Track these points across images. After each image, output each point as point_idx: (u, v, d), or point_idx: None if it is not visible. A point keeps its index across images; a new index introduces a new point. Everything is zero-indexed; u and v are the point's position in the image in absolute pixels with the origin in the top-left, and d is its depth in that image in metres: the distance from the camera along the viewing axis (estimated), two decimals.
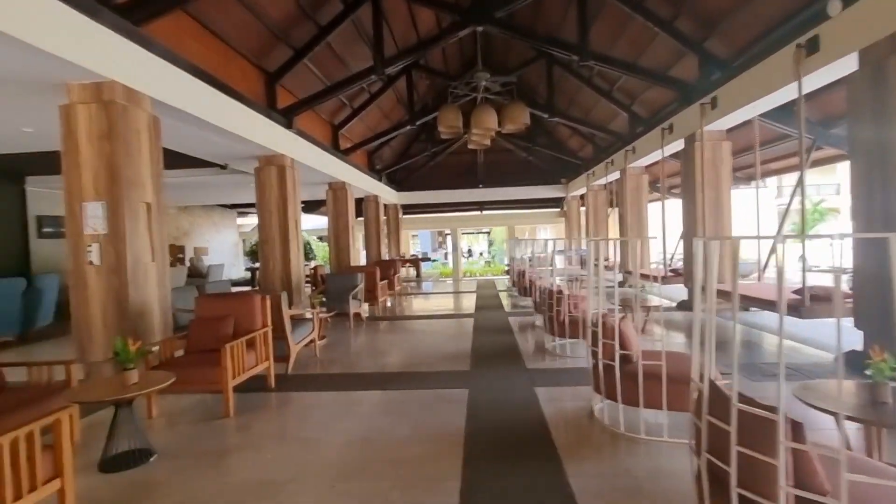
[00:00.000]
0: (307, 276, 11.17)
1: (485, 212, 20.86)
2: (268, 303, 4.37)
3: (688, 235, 8.06)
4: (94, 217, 4.30)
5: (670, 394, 2.82)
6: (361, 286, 7.81)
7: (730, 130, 7.77)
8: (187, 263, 13.31)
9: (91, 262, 4.32)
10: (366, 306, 8.25)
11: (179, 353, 4.25)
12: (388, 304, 10.03)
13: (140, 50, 4.64)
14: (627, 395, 2.98)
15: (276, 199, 8.00)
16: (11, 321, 7.00)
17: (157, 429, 3.49)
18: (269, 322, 4.40)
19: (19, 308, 7.11)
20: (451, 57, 13.11)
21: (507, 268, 15.31)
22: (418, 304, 10.35)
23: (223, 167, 8.85)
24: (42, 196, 10.91)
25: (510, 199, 18.89)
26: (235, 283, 16.99)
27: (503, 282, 15.26)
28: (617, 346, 3.01)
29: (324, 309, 6.69)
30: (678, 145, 8.54)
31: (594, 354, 3.25)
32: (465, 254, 29.97)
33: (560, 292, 5.20)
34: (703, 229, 7.30)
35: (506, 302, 9.92)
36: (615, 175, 12.52)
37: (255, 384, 4.24)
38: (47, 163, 6.95)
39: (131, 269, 4.35)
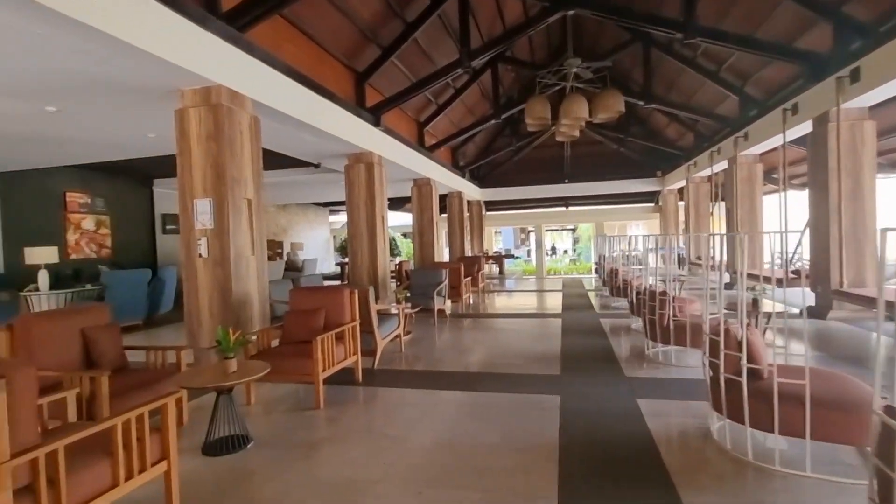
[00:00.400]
0: (392, 271, 11.39)
1: (570, 207, 20.05)
2: (356, 297, 4.40)
3: (817, 231, 6.99)
4: (202, 213, 4.61)
5: (816, 420, 2.34)
6: (445, 283, 7.75)
7: (873, 108, 6.61)
8: (285, 258, 14.24)
9: (200, 255, 4.64)
10: (449, 303, 8.18)
11: (275, 342, 4.44)
12: (472, 301, 9.90)
13: (243, 55, 4.89)
14: (757, 417, 2.53)
15: (364, 195, 8.19)
16: (140, 307, 7.86)
17: (254, 415, 3.63)
18: (357, 316, 4.43)
19: (146, 296, 7.96)
20: (538, 46, 12.66)
21: (595, 266, 14.55)
22: (502, 302, 10.11)
23: (316, 166, 9.25)
24: (165, 196, 12.23)
25: (599, 193, 17.95)
26: (327, 277, 17.93)
27: (590, 281, 14.51)
28: (744, 359, 2.57)
29: (408, 304, 6.71)
30: (803, 128, 7.45)
31: (713, 367, 2.82)
32: (549, 251, 29.08)
33: (664, 294, 4.70)
34: (838, 224, 6.27)
35: (595, 302, 9.35)
36: (721, 165, 11.32)
37: (343, 377, 4.30)
38: (170, 165, 7.72)
39: (234, 261, 4.60)
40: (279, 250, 16.67)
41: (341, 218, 22.74)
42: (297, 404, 3.86)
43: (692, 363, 4.60)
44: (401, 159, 9.54)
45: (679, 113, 11.83)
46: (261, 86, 5.16)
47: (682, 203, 17.29)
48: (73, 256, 10.04)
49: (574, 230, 35.68)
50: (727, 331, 2.71)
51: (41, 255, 7.35)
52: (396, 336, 5.54)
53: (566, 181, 17.73)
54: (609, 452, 2.82)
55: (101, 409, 2.75)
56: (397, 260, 19.41)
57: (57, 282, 7.99)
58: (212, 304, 4.63)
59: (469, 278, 9.25)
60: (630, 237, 9.95)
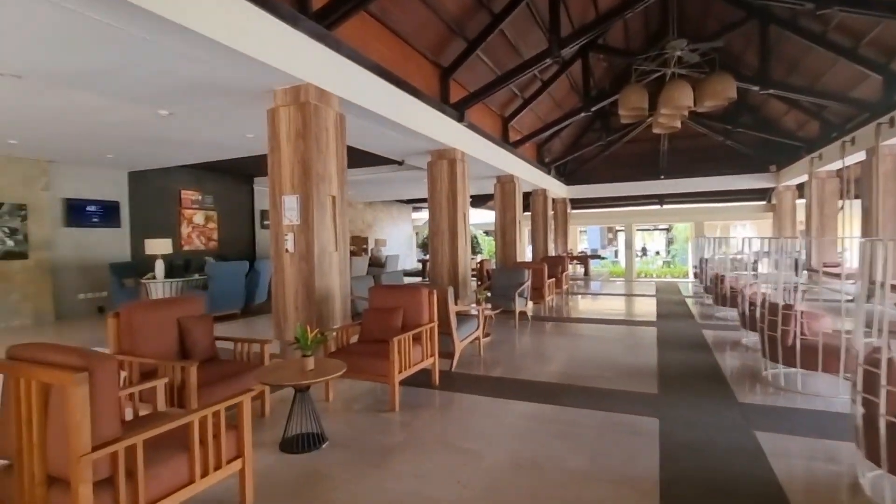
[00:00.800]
0: (473, 269, 11.23)
1: (665, 206, 18.56)
2: (434, 298, 4.25)
3: None
4: (290, 209, 4.72)
5: None
6: (528, 283, 7.41)
7: None
8: (369, 254, 14.70)
9: (287, 250, 4.77)
10: (531, 305, 7.82)
11: (355, 339, 4.43)
12: (554, 303, 9.42)
13: (331, 52, 4.95)
14: None
15: (447, 192, 8.08)
16: (238, 297, 8.43)
17: (331, 413, 3.62)
18: (436, 317, 4.29)
19: (244, 286, 8.53)
20: (634, 32, 11.77)
21: (694, 270, 13.26)
22: (588, 306, 9.52)
23: (400, 163, 9.32)
24: (264, 193, 13.10)
25: (699, 190, 16.39)
26: (408, 274, 18.26)
27: (688, 286, 13.27)
28: None
29: (489, 305, 6.47)
30: None
31: (867, 405, 2.26)
32: (639, 252, 27.25)
33: (788, 308, 4.00)
34: None
35: (695, 310, 8.45)
36: (856, 157, 9.73)
37: (420, 379, 4.17)
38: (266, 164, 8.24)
39: (318, 257, 4.67)
40: (364, 246, 17.23)
41: (423, 215, 23.09)
42: (373, 404, 3.79)
43: (824, 391, 3.88)
44: (484, 155, 9.31)
45: (803, 98, 10.32)
46: (347, 83, 5.19)
47: (800, 201, 15.26)
48: (186, 248, 11.08)
49: (668, 230, 33.21)
50: (891, 361, 2.15)
51: (158, 247, 8.13)
52: (475, 338, 5.34)
53: (661, 177, 16.41)
54: (725, 495, 2.37)
55: (189, 398, 2.84)
56: (478, 258, 19.28)
57: (171, 271, 8.82)
58: (297, 298, 4.75)
59: (552, 279, 8.80)
60: (741, 239, 8.86)
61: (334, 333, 4.05)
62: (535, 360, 5.20)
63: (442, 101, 7.79)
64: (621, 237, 33.76)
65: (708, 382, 4.24)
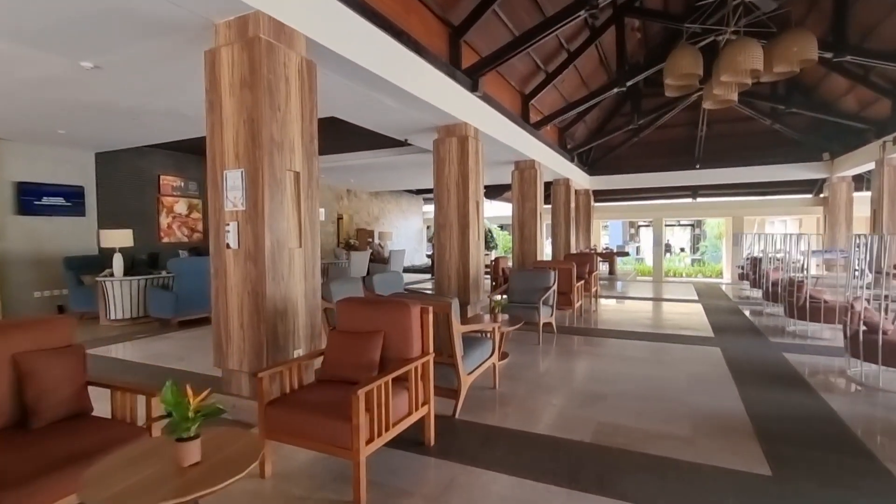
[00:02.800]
0: (486, 267, 9.85)
1: (699, 199, 16.92)
2: (430, 317, 2.90)
3: None
4: (233, 189, 3.41)
5: None
6: (554, 288, 6.01)
7: None
8: (377, 248, 13.43)
9: (228, 245, 3.46)
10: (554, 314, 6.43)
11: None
12: (583, 309, 7.98)
13: None
14: None
15: (456, 175, 6.71)
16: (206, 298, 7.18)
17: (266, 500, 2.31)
18: (431, 346, 2.93)
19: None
20: None
21: (739, 270, 11.68)
22: (622, 313, 8.06)
23: (404, 142, 7.97)
24: None
25: (739, 182, 14.75)
26: (415, 270, 16.96)
27: (728, 288, 11.71)
28: None
29: (506, 316, 5.11)
30: None
31: None
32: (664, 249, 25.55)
33: None
34: None
35: (757, 322, 6.96)
36: None
37: (408, 435, 2.83)
38: None
39: (270, 255, 3.35)
40: (370, 240, 15.96)
41: None
42: (328, 489, 2.46)
43: None
44: (501, 134, 7.90)
45: (882, 65, 8.57)
46: (320, 19, 3.84)
47: (857, 194, 13.54)
48: (166, 240, 9.91)
49: (694, 226, 31.32)
50: None
51: (116, 238, 6.93)
52: (490, 365, 3.98)
53: (697, 167, 14.79)
54: None
55: None
56: (493, 254, 17.86)
57: (133, 267, 7.62)
58: (242, 312, 3.44)
59: (580, 282, 7.40)
60: (807, 235, 7.34)
61: (283, 368, 2.71)
62: (571, 399, 3.82)
63: (452, 65, 6.41)
64: (644, 233, 32.03)
65: (840, 451, 2.82)
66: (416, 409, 2.77)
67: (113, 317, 6.87)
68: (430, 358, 2.90)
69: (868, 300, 4.20)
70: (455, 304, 3.37)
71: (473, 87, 6.71)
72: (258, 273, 3.34)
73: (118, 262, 6.88)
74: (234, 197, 3.40)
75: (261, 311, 3.35)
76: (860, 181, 13.68)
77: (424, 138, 7.52)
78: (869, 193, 13.95)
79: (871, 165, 11.16)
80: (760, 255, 9.82)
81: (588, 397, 3.80)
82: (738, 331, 6.35)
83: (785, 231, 20.23)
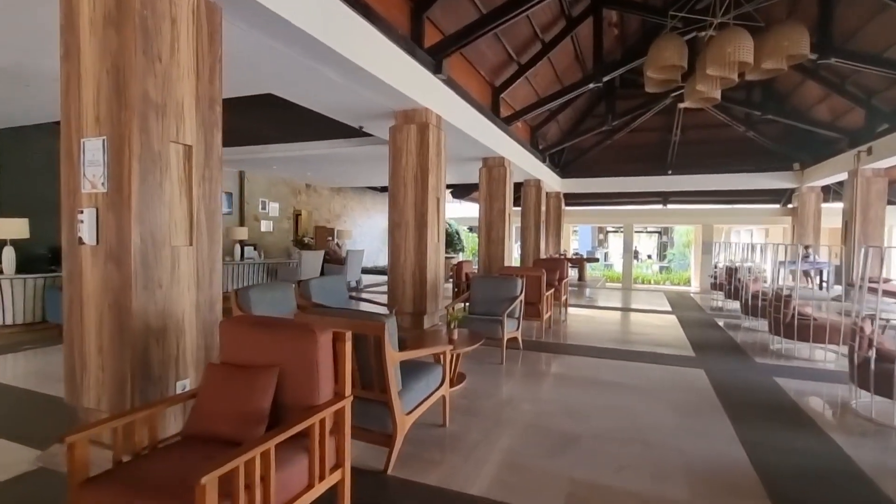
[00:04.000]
0: (449, 273, 9.09)
1: (670, 205, 16.70)
2: (347, 348, 2.08)
3: None
4: (92, 164, 2.51)
5: None
6: (521, 298, 5.29)
7: None
8: (333, 247, 12.43)
9: (81, 240, 2.55)
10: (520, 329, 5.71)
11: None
12: (552, 320, 7.29)
13: None
14: None
15: (414, 168, 5.91)
16: None
17: None
18: (349, 385, 2.12)
19: None
20: None
21: (713, 279, 11.32)
22: (595, 325, 7.43)
23: (359, 129, 7.11)
24: None
25: (710, 189, 14.53)
26: (379, 272, 16.03)
27: (697, 297, 11.35)
28: None
29: (465, 331, 4.35)
30: None
31: None
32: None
33: None
34: None
35: (738, 338, 6.45)
36: None
37: None
38: None
39: (139, 255, 2.47)
40: (329, 238, 14.96)
41: None
42: None
43: None
44: (468, 125, 7.16)
45: (866, 69, 8.19)
46: None
47: (826, 205, 13.51)
48: None
49: (661, 233, 31.52)
50: None
51: (7, 229, 5.81)
52: (439, 397, 3.19)
53: (669, 172, 14.50)
54: None
55: None
56: (460, 257, 17.13)
57: (27, 264, 6.48)
58: (102, 330, 2.54)
59: (550, 290, 6.72)
60: (786, 245, 6.92)
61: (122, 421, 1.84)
62: (539, 442, 3.07)
63: (413, 42, 5.61)
64: (612, 239, 32.03)
65: None
66: (322, 478, 1.95)
67: (0, 322, 5.75)
68: (347, 403, 2.09)
69: (862, 318, 3.65)
70: (391, 325, 2.57)
71: (437, 69, 5.94)
72: (122, 278, 2.46)
73: (8, 256, 5.76)
74: (94, 175, 2.50)
75: (125, 331, 2.46)
76: (827, 193, 13.66)
77: (381, 126, 6.69)
78: (836, 205, 13.99)
79: (842, 176, 11.00)
80: (736, 264, 9.45)
81: (558, 440, 3.06)
82: (720, 349, 5.79)
83: (750, 241, 20.37)
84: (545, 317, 6.32)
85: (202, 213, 2.81)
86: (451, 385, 3.97)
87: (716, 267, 11.94)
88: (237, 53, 4.41)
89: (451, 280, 9.12)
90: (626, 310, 9.23)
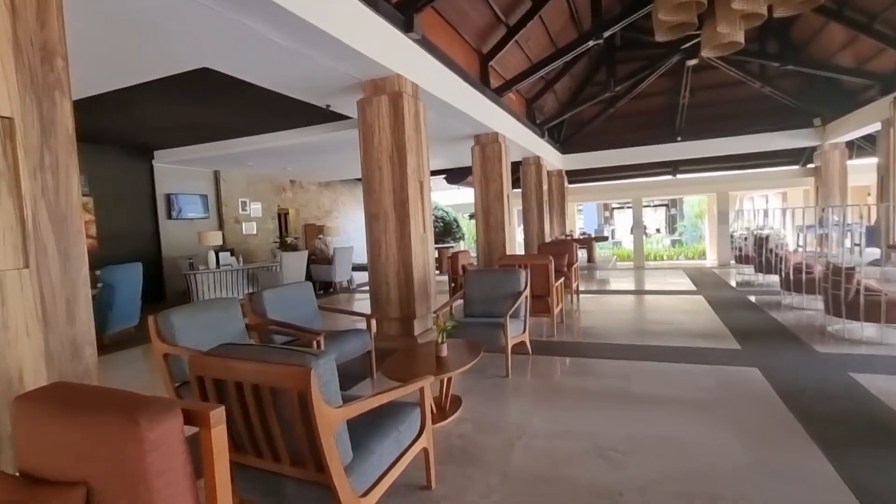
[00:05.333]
0: (443, 267, 8.16)
1: (679, 175, 15.65)
2: (220, 436, 1.17)
3: None
4: None
5: None
6: (526, 293, 4.37)
7: None
8: (320, 245, 11.46)
9: None
10: (527, 329, 4.80)
11: None
12: (564, 312, 6.36)
13: None
14: None
15: (389, 146, 4.97)
16: None
17: None
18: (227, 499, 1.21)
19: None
20: None
21: (736, 252, 10.33)
22: (612, 316, 6.48)
23: (326, 108, 6.16)
24: (170, 172, 9.85)
25: (724, 154, 13.45)
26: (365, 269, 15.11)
27: (720, 272, 10.38)
28: None
29: (457, 343, 3.44)
30: None
31: None
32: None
33: None
34: None
35: (779, 318, 5.52)
36: None
37: None
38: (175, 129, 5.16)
39: None
40: (320, 236, 14.05)
41: None
42: None
43: None
44: (453, 96, 6.19)
45: None
46: None
47: (854, 161, 12.42)
48: None
49: (668, 206, 30.38)
50: None
51: None
52: (420, 451, 2.29)
53: (678, 139, 13.44)
54: None
55: None
56: (461, 246, 16.18)
57: None
58: None
59: (561, 279, 5.80)
60: (821, 208, 5.96)
61: None
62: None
63: None
64: (618, 215, 30.91)
65: None
66: None
67: None
68: None
69: None
70: (324, 368, 1.65)
71: (407, 27, 4.96)
72: None
73: None
74: None
75: None
76: (850, 149, 12.57)
77: (351, 103, 5.72)
78: (862, 161, 12.93)
79: (872, 128, 9.93)
80: (765, 232, 8.48)
81: (592, 501, 2.17)
82: (767, 336, 4.85)
83: (766, 206, 19.28)
84: (555, 311, 5.40)
85: (44, 219, 1.91)
86: (442, 416, 3.08)
87: (733, 236, 10.96)
88: (153, 20, 3.50)
89: (441, 273, 8.20)
90: (645, 292, 8.28)
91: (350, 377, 4.03)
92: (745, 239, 9.72)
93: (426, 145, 5.39)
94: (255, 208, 12.03)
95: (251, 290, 9.03)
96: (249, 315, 3.76)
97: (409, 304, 5.01)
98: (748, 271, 9.30)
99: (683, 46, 9.44)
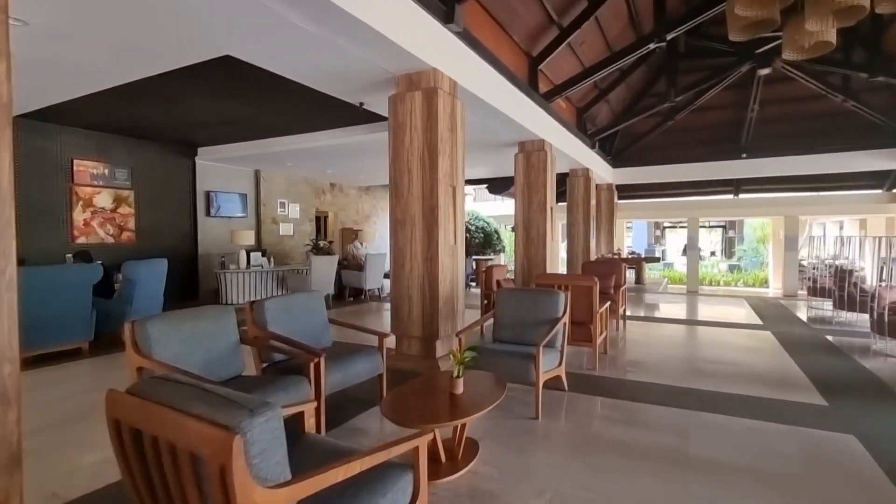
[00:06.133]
0: (472, 278, 7.60)
1: (742, 195, 14.41)
2: None
3: None
4: None
5: None
6: (564, 320, 3.78)
7: None
8: (352, 251, 11.19)
9: None
10: (562, 361, 4.18)
11: None
12: (608, 342, 5.65)
13: None
14: None
15: (420, 147, 4.53)
16: (80, 323, 5.14)
17: None
18: None
19: (88, 302, 5.25)
20: None
21: (809, 283, 9.19)
22: (665, 349, 5.71)
23: (359, 106, 5.81)
24: (211, 169, 9.87)
25: (795, 174, 12.21)
26: None
27: (787, 304, 9.25)
28: None
29: (480, 377, 2.91)
30: None
31: None
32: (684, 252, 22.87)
33: None
34: None
35: (874, 368, 4.62)
36: None
37: None
38: (219, 126, 5.05)
39: None
40: (355, 241, 13.84)
41: None
42: None
43: None
44: (495, 96, 5.70)
45: None
46: None
47: None
48: (82, 240, 7.95)
49: (725, 227, 28.45)
50: None
51: None
52: None
53: (743, 156, 12.32)
54: None
55: None
56: (501, 260, 15.57)
57: None
58: None
59: (606, 304, 5.14)
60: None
61: None
62: None
63: None
64: (670, 235, 29.26)
65: None
66: None
67: None
68: None
69: None
70: (256, 431, 1.17)
71: (447, 17, 4.52)
72: None
73: None
74: None
75: None
76: None
77: (384, 100, 5.35)
78: None
79: None
80: (843, 262, 7.43)
81: None
82: (861, 390, 4.01)
83: (839, 234, 17.51)
84: (598, 340, 4.75)
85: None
86: (453, 468, 2.55)
87: (814, 267, 9.79)
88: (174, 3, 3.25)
89: (473, 284, 7.63)
90: (701, 323, 7.39)
91: (357, 403, 3.57)
92: (817, 268, 8.61)
93: (462, 148, 4.91)
94: (294, 209, 11.96)
95: (281, 292, 8.83)
96: (249, 326, 3.39)
97: (432, 323, 4.51)
98: (824, 305, 8.21)
99: (759, 50, 8.57)
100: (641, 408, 3.59)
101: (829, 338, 6.03)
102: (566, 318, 3.83)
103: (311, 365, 2.91)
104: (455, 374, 2.64)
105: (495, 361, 3.45)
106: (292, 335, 3.38)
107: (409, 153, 4.58)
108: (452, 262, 4.69)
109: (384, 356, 3.56)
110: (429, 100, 4.46)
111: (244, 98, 6.49)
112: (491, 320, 4.16)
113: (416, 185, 4.56)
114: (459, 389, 2.63)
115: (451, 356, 2.71)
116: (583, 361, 4.84)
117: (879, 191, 12.91)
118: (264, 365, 3.33)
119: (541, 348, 3.33)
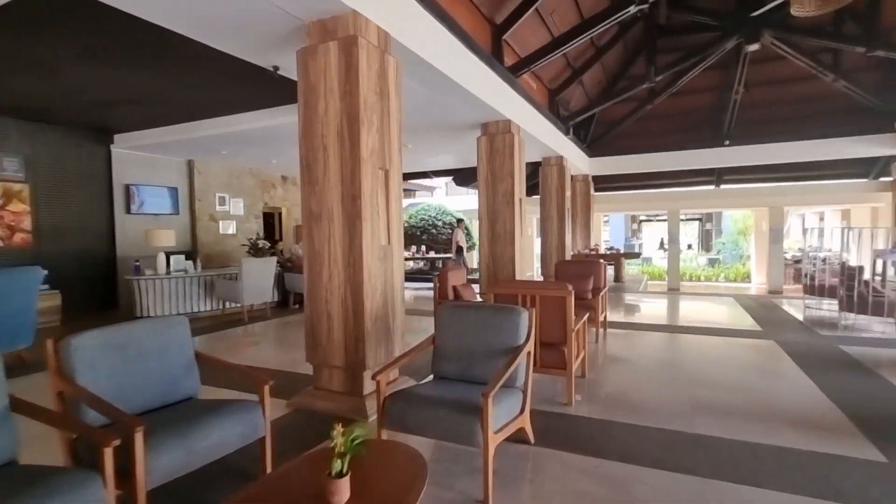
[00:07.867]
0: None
1: (723, 186, 13.70)
2: None
3: None
4: None
5: None
6: (529, 343, 2.71)
7: None
8: (296, 251, 9.93)
9: None
10: (525, 403, 3.13)
11: None
12: (586, 362, 4.58)
13: None
14: None
15: (337, 116, 3.38)
16: None
17: None
18: None
19: None
20: None
21: (806, 280, 8.39)
22: (656, 369, 4.70)
23: (274, 70, 4.61)
24: (130, 159, 8.50)
25: (780, 161, 11.49)
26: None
27: (777, 302, 8.45)
28: None
29: (388, 448, 1.80)
30: None
31: None
32: (663, 247, 22.23)
33: None
34: None
35: None
36: None
37: None
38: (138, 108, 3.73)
39: None
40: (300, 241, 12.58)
41: (419, 199, 17.73)
42: None
43: None
44: (445, 59, 4.57)
45: None
46: None
47: None
48: None
49: (701, 220, 28.03)
50: None
51: None
52: None
53: (726, 143, 11.53)
54: None
55: None
56: (473, 258, 14.51)
57: None
58: None
59: (585, 316, 4.10)
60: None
61: None
62: None
63: None
64: (646, 229, 28.69)
65: None
66: None
67: None
68: None
69: None
70: None
71: None
72: None
73: None
74: None
75: None
76: None
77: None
78: None
79: None
80: (847, 260, 6.61)
81: None
82: (881, 418, 3.08)
83: (819, 225, 17.06)
84: (576, 363, 3.70)
85: None
86: None
87: (812, 263, 9.02)
88: None
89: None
90: (693, 330, 6.41)
91: (222, 480, 2.43)
92: (814, 264, 7.79)
93: (398, 120, 3.78)
94: (237, 205, 10.64)
95: (210, 302, 7.56)
96: (52, 375, 2.20)
97: (357, 349, 3.39)
98: (822, 305, 7.39)
99: (753, 14, 7.64)
100: (635, 475, 2.54)
101: (844, 348, 5.13)
102: (530, 344, 2.76)
103: (104, 450, 1.76)
104: (332, 470, 1.54)
105: (425, 417, 2.36)
106: (126, 386, 2.22)
107: (323, 125, 3.43)
108: (384, 268, 3.57)
109: (266, 411, 2.43)
110: (347, 52, 3.32)
111: (139, 66, 5.25)
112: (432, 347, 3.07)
113: (332, 167, 3.42)
114: (342, 497, 1.53)
115: (333, 436, 1.61)
116: (556, 391, 3.79)
117: (865, 179, 12.33)
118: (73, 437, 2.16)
119: (490, 399, 2.24)
